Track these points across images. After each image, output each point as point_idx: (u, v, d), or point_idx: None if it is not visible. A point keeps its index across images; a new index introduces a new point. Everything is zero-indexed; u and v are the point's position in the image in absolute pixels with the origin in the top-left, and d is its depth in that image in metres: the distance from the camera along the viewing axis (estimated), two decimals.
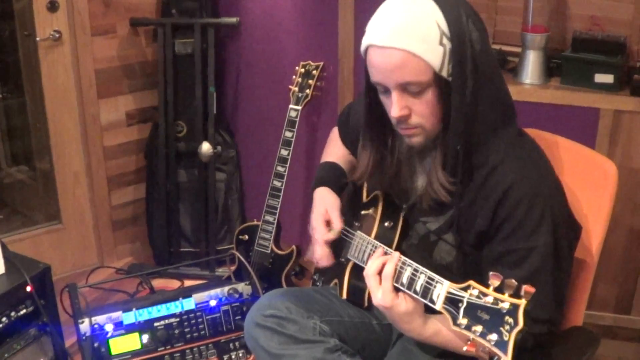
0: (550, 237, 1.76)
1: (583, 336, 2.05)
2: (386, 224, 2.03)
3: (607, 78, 2.83)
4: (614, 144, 2.85)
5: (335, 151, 2.40)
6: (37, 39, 3.47)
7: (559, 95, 2.89)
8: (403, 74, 1.73)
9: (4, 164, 4.42)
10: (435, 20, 1.71)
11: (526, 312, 1.70)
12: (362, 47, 1.80)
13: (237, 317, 2.85)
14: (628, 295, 3.07)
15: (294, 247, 3.31)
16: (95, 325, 2.69)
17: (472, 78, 1.74)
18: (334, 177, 2.28)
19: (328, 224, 2.13)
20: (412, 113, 1.78)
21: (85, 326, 2.68)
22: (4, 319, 2.52)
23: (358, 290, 2.10)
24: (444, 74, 1.73)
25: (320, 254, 2.13)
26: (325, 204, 2.17)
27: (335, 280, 2.21)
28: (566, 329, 2.06)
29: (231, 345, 2.83)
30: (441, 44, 1.71)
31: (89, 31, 3.55)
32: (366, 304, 2.13)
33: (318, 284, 2.37)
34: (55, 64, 3.54)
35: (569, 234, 1.86)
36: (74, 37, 3.52)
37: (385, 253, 1.86)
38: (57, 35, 3.47)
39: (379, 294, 1.78)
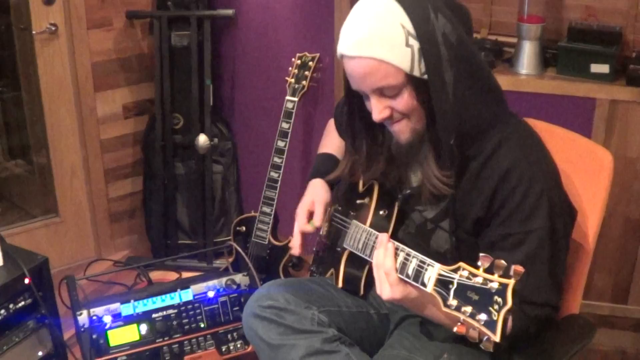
0: (547, 220, 1.78)
1: (579, 324, 2.06)
2: (381, 212, 2.05)
3: (602, 68, 2.84)
4: (610, 134, 2.86)
5: (331, 142, 2.42)
6: (33, 32, 3.46)
7: (555, 85, 2.89)
8: (374, 80, 1.76)
9: (1, 158, 4.42)
10: (399, 23, 1.73)
11: (524, 296, 1.72)
12: (338, 55, 1.84)
13: (235, 308, 2.85)
14: (624, 284, 3.08)
15: (291, 238, 3.30)
16: (94, 317, 2.69)
17: (451, 72, 1.75)
18: (329, 169, 2.29)
19: (311, 215, 2.16)
20: (394, 112, 1.82)
21: (83, 318, 2.68)
22: (2, 312, 2.51)
23: (354, 279, 2.11)
24: (417, 73, 1.75)
25: (294, 243, 2.19)
26: (314, 196, 2.22)
27: (332, 270, 2.22)
28: (563, 317, 2.07)
29: (229, 336, 2.83)
30: (408, 45, 1.73)
31: (85, 24, 3.54)
32: (362, 292, 2.14)
33: (315, 274, 2.38)
34: (51, 57, 3.54)
35: (565, 218, 1.88)
36: (70, 30, 3.52)
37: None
38: (53, 29, 3.47)
39: (386, 287, 1.78)
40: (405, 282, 1.77)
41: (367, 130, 1.98)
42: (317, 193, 2.23)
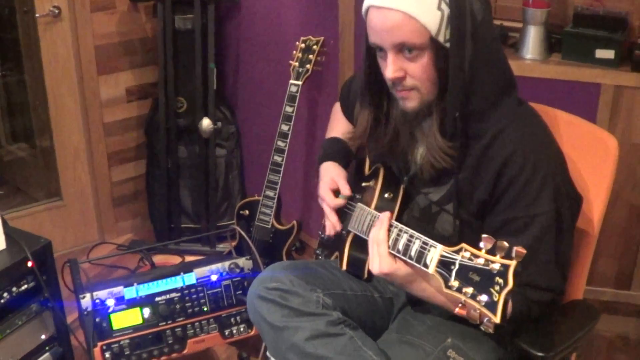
0: (552, 204, 1.78)
1: (583, 309, 2.06)
2: (386, 195, 2.04)
3: (608, 54, 2.82)
4: (615, 120, 2.85)
5: (338, 126, 2.41)
6: (36, 15, 3.46)
7: (559, 71, 2.88)
8: (399, 34, 1.75)
9: (4, 142, 4.42)
10: None
11: (529, 280, 1.71)
12: (363, 9, 1.83)
13: (238, 292, 2.85)
14: (628, 270, 3.08)
15: (294, 222, 3.31)
16: (97, 300, 2.69)
17: (471, 46, 1.76)
18: (338, 152, 2.29)
19: (335, 193, 2.16)
20: (407, 75, 1.81)
21: (86, 301, 2.68)
22: (5, 295, 2.52)
23: (358, 262, 2.11)
24: (441, 39, 1.75)
25: (332, 222, 2.16)
26: (331, 174, 2.20)
27: (337, 253, 2.22)
28: (566, 302, 2.07)
29: (232, 319, 2.83)
30: (439, 8, 1.73)
31: (89, 7, 3.54)
32: (365, 275, 2.14)
33: (320, 257, 2.38)
34: (54, 40, 3.53)
35: (571, 203, 1.88)
36: (73, 13, 3.51)
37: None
38: (56, 11, 3.46)
39: (376, 260, 1.82)
40: (399, 259, 1.80)
41: (377, 95, 1.97)
42: (333, 172, 2.22)
